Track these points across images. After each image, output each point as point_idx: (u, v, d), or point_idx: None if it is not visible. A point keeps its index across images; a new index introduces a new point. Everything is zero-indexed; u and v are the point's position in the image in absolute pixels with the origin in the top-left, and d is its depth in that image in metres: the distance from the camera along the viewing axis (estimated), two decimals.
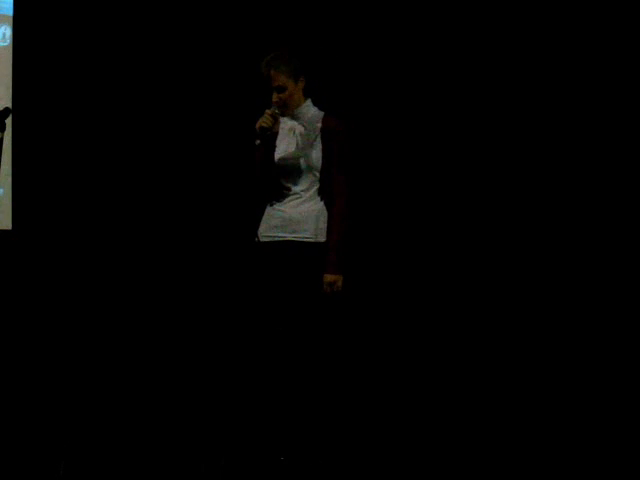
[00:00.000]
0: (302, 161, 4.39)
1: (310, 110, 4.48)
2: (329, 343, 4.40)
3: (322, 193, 4.41)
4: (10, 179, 5.63)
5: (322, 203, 4.41)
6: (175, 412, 5.13)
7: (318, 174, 4.41)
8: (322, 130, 4.42)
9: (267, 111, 4.38)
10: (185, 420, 5.00)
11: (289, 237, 4.38)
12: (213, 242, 5.75)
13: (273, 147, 4.43)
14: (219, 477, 4.21)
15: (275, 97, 4.41)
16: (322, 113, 4.49)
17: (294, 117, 4.46)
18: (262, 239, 4.44)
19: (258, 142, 4.40)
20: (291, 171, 4.40)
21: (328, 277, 4.34)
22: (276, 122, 4.41)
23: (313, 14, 5.76)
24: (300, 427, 4.31)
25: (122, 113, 5.80)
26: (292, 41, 5.10)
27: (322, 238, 4.38)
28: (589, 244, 5.64)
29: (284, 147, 4.44)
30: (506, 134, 5.73)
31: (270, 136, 4.40)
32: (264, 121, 4.35)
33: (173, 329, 5.70)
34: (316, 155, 4.40)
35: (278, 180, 4.43)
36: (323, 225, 4.39)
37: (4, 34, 5.67)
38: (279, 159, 4.42)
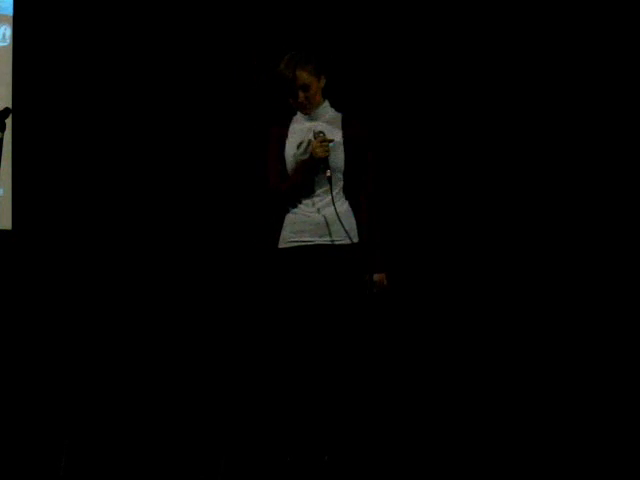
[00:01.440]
0: (331, 163, 4.31)
1: (329, 111, 4.44)
2: (373, 344, 4.37)
3: (346, 193, 4.37)
4: (10, 179, 5.63)
5: (347, 203, 4.38)
6: (176, 411, 5.13)
7: (341, 175, 4.37)
8: (344, 131, 4.39)
9: (316, 142, 4.28)
10: (186, 419, 5.00)
11: (318, 241, 4.32)
12: (215, 245, 5.75)
13: (283, 149, 4.36)
14: (219, 477, 4.21)
15: (301, 97, 4.35)
16: (340, 114, 4.47)
17: (312, 117, 4.41)
18: (287, 245, 4.36)
19: (329, 174, 4.27)
20: (314, 173, 4.33)
21: (377, 276, 4.30)
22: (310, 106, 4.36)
23: (318, 15, 5.76)
24: (334, 428, 4.25)
25: (122, 113, 5.80)
26: (298, 42, 5.09)
27: (354, 239, 4.34)
28: (589, 244, 5.64)
29: (304, 149, 4.36)
30: (509, 135, 5.74)
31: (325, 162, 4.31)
32: (323, 151, 4.27)
33: (173, 329, 5.70)
34: (340, 156, 4.36)
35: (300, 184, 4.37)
36: (352, 226, 4.35)
37: (4, 34, 5.67)
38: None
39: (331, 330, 4.25)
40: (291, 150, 4.38)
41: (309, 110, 4.39)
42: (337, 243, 4.32)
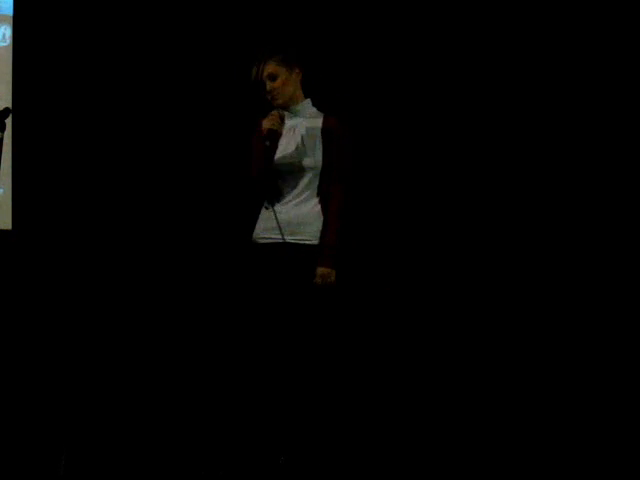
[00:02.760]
0: (304, 161, 4.36)
1: (309, 109, 4.46)
2: (325, 341, 4.39)
3: (320, 194, 4.39)
4: (10, 179, 5.63)
5: (320, 205, 4.39)
6: (174, 412, 5.13)
7: (317, 175, 4.39)
8: (323, 130, 4.40)
9: (273, 113, 4.36)
10: (184, 420, 5.00)
11: (288, 239, 4.35)
12: (211, 244, 5.75)
13: (275, 147, 4.40)
14: (219, 476, 4.21)
15: (268, 86, 4.37)
16: (322, 114, 4.48)
17: (293, 115, 4.43)
18: (259, 241, 4.42)
19: (268, 143, 4.34)
20: (290, 171, 4.36)
21: (321, 270, 4.30)
22: (282, 123, 4.39)
23: (311, 14, 5.76)
24: (299, 427, 4.30)
25: (122, 113, 5.80)
26: (291, 41, 5.09)
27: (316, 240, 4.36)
28: (589, 244, 5.64)
29: (283, 146, 4.40)
30: (506, 136, 5.74)
31: (276, 137, 4.37)
32: (272, 123, 4.33)
33: (173, 330, 5.70)
34: (317, 155, 4.38)
35: (276, 180, 4.40)
36: (321, 227, 4.37)
37: (4, 34, 5.67)
38: (278, 158, 4.38)
39: (283, 327, 4.29)
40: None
41: (279, 101, 4.39)
42: (303, 243, 4.34)
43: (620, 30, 5.62)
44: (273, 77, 4.37)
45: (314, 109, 4.47)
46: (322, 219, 4.36)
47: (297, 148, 4.37)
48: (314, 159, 4.36)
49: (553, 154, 5.71)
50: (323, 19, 5.75)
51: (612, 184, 5.65)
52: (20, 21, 5.69)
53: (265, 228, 4.40)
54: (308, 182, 4.37)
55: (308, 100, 4.47)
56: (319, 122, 4.42)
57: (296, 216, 4.35)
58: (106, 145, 5.79)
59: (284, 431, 4.30)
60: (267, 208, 4.41)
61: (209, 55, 5.81)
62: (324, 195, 4.37)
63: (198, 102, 5.80)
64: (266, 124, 4.36)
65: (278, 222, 4.30)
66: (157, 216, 5.79)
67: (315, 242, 4.34)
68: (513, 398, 5.38)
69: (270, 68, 4.37)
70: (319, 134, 4.39)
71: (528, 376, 5.51)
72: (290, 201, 4.38)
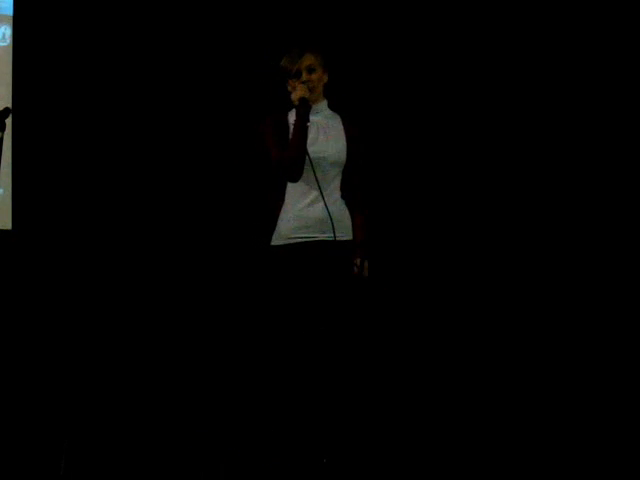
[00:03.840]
0: (331, 155, 4.31)
1: (326, 109, 4.44)
2: (367, 341, 4.36)
3: (343, 190, 4.36)
4: (10, 179, 5.63)
5: (343, 201, 4.37)
6: (174, 412, 5.13)
7: (341, 170, 4.35)
8: (346, 128, 4.38)
9: (298, 84, 4.28)
10: (185, 421, 5.00)
11: (321, 237, 4.29)
12: (214, 243, 5.75)
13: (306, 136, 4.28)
14: (219, 476, 4.21)
15: (305, 76, 4.32)
16: (337, 115, 4.46)
17: (311, 113, 4.35)
18: (289, 241, 4.30)
19: (309, 124, 4.25)
20: (317, 165, 4.29)
21: (365, 262, 4.30)
22: (311, 94, 4.31)
23: (316, 16, 5.76)
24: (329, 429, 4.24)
25: (123, 113, 5.80)
26: (296, 41, 5.09)
27: (349, 236, 4.36)
28: (589, 244, 5.64)
29: (312, 139, 4.31)
30: (507, 136, 5.74)
31: (309, 110, 4.26)
32: (303, 92, 4.26)
33: (173, 330, 5.70)
34: (342, 150, 4.35)
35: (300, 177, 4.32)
36: (349, 222, 4.35)
37: (4, 34, 5.67)
38: (311, 151, 4.28)
39: (326, 328, 4.24)
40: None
41: (313, 95, 4.33)
42: (340, 239, 4.30)
43: (620, 30, 5.62)
44: (311, 70, 4.35)
45: (330, 110, 4.46)
46: (348, 216, 4.35)
47: (324, 143, 4.32)
48: (339, 154, 4.34)
49: (555, 154, 5.71)
50: (327, 23, 5.76)
51: (612, 184, 5.65)
52: (20, 21, 5.69)
53: (295, 227, 4.29)
54: (332, 178, 4.34)
55: (326, 101, 4.45)
56: (338, 121, 4.41)
57: (328, 213, 4.27)
58: (106, 145, 5.79)
59: (286, 431, 4.28)
60: (294, 205, 4.30)
61: (210, 55, 5.81)
62: (346, 191, 4.35)
63: (199, 101, 5.80)
64: (298, 93, 4.27)
65: (332, 219, 4.24)
66: (157, 216, 5.79)
67: (349, 238, 4.33)
68: (513, 398, 5.38)
69: (311, 60, 4.34)
70: (342, 131, 4.38)
71: (528, 376, 5.51)
72: (319, 198, 4.28)
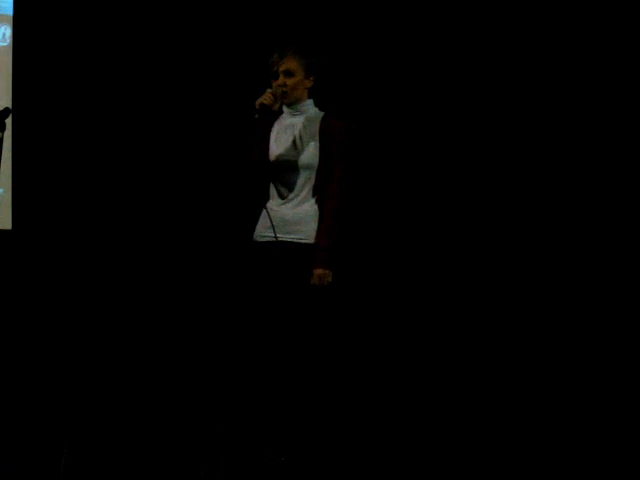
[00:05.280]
0: (299, 159, 4.36)
1: (311, 109, 4.46)
2: (321, 340, 4.38)
3: (316, 193, 4.38)
4: (10, 179, 5.63)
5: (316, 205, 4.38)
6: (174, 412, 5.14)
7: (313, 174, 4.38)
8: (321, 129, 4.40)
9: (268, 90, 4.34)
10: (185, 420, 5.00)
11: (284, 238, 4.35)
12: (214, 243, 5.75)
13: (267, 142, 4.39)
14: (219, 476, 4.21)
15: (281, 80, 4.35)
16: (322, 113, 4.48)
17: (294, 113, 4.43)
18: (257, 239, 4.43)
19: (257, 116, 4.31)
20: (287, 168, 4.36)
21: (318, 271, 4.29)
22: (276, 102, 4.35)
23: (313, 16, 5.76)
24: (295, 427, 4.30)
25: (122, 113, 5.80)
26: (295, 41, 5.10)
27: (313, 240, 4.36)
28: (589, 244, 5.64)
29: (282, 143, 4.40)
30: (506, 136, 5.74)
31: (268, 115, 4.34)
32: (264, 98, 4.30)
33: (172, 330, 5.70)
34: (314, 153, 4.38)
35: (274, 178, 4.41)
36: (316, 226, 4.36)
37: (4, 34, 5.67)
38: (277, 155, 4.38)
39: (278, 325, 4.29)
40: (273, 144, 4.41)
41: (284, 98, 4.38)
42: (299, 242, 4.34)
43: (620, 30, 5.62)
44: (290, 73, 4.36)
45: (316, 109, 4.47)
46: (317, 218, 4.37)
47: (294, 145, 4.37)
48: (309, 157, 4.36)
49: (553, 154, 5.71)
50: (323, 22, 5.76)
51: (612, 184, 5.65)
52: (20, 21, 5.69)
53: (263, 226, 4.41)
54: (304, 181, 4.37)
55: (311, 100, 4.46)
56: (318, 121, 4.42)
57: (293, 215, 4.36)
58: (106, 145, 5.79)
59: (282, 431, 4.30)
60: (266, 205, 4.40)
61: (210, 56, 5.81)
62: (320, 195, 4.37)
63: (198, 102, 5.81)
64: (259, 99, 4.33)
65: (271, 220, 4.32)
66: (156, 215, 5.79)
67: (311, 241, 4.34)
68: (513, 398, 5.38)
69: (290, 63, 4.35)
70: (317, 133, 4.39)
71: (528, 376, 5.51)
72: (289, 200, 4.38)
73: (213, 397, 5.30)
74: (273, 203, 4.40)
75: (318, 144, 4.37)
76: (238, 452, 4.41)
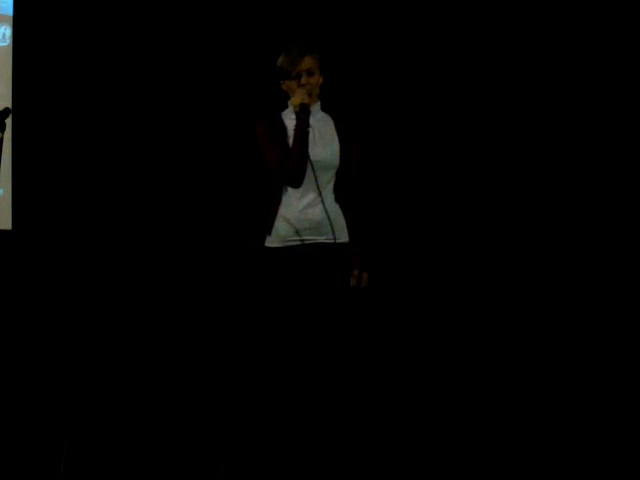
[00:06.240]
0: (328, 158, 4.29)
1: (320, 112, 4.43)
2: (355, 342, 4.36)
3: (336, 192, 4.34)
4: (10, 179, 5.63)
5: (337, 204, 4.35)
6: (174, 412, 5.14)
7: (334, 173, 4.32)
8: (338, 130, 4.37)
9: (299, 89, 4.23)
10: (184, 420, 5.00)
11: (320, 239, 4.28)
12: (213, 243, 5.76)
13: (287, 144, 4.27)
14: (219, 477, 4.21)
15: (304, 80, 4.26)
16: (329, 116, 4.44)
17: (313, 113, 4.32)
18: (287, 243, 4.28)
19: (310, 129, 4.21)
20: (319, 168, 4.26)
21: (364, 274, 4.32)
22: (310, 98, 4.27)
23: (312, 17, 5.77)
24: (298, 426, 4.29)
25: (122, 113, 5.81)
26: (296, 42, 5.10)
27: (346, 237, 4.33)
28: (589, 244, 5.65)
29: (313, 143, 4.28)
30: (506, 136, 5.75)
31: (308, 114, 4.21)
32: (302, 98, 4.20)
33: (172, 329, 5.70)
34: (338, 153, 4.32)
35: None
36: (344, 224, 4.33)
37: (4, 34, 5.68)
38: (311, 154, 4.25)
39: (323, 329, 4.24)
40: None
41: (311, 99, 4.28)
42: (339, 241, 4.31)
43: (620, 30, 5.62)
44: (311, 73, 4.30)
45: (322, 112, 4.44)
46: (342, 217, 4.33)
47: (323, 145, 4.30)
48: (335, 157, 4.32)
49: (553, 154, 5.72)
50: (322, 22, 5.77)
51: (612, 184, 5.66)
52: (20, 21, 5.70)
53: (287, 230, 4.27)
54: (328, 180, 4.31)
55: (319, 102, 4.43)
56: (332, 124, 4.39)
57: (325, 215, 4.26)
58: (106, 145, 5.80)
59: (283, 431, 4.29)
60: (289, 207, 4.28)
61: (210, 56, 5.82)
62: (338, 193, 4.34)
63: (199, 102, 5.81)
64: (297, 98, 4.21)
65: (330, 220, 4.25)
66: (158, 215, 5.79)
67: (345, 240, 4.31)
68: (513, 398, 5.39)
69: (310, 63, 4.29)
70: (334, 133, 4.37)
71: (528, 376, 5.51)
72: (314, 200, 4.27)
73: (213, 397, 5.30)
74: (301, 205, 4.29)
75: (339, 144, 4.34)
76: (238, 452, 4.41)
